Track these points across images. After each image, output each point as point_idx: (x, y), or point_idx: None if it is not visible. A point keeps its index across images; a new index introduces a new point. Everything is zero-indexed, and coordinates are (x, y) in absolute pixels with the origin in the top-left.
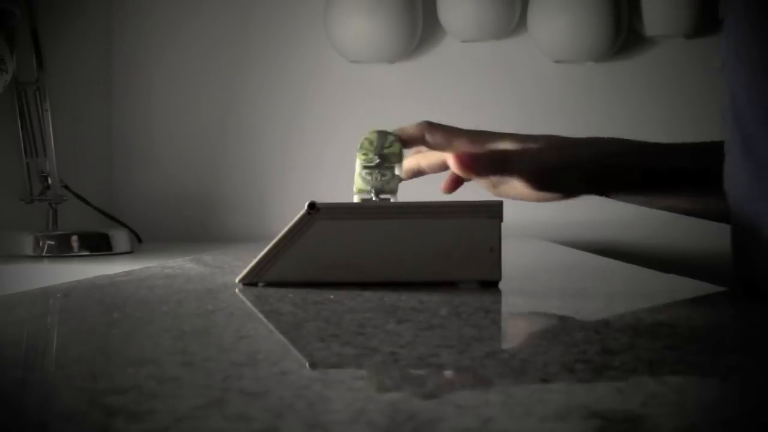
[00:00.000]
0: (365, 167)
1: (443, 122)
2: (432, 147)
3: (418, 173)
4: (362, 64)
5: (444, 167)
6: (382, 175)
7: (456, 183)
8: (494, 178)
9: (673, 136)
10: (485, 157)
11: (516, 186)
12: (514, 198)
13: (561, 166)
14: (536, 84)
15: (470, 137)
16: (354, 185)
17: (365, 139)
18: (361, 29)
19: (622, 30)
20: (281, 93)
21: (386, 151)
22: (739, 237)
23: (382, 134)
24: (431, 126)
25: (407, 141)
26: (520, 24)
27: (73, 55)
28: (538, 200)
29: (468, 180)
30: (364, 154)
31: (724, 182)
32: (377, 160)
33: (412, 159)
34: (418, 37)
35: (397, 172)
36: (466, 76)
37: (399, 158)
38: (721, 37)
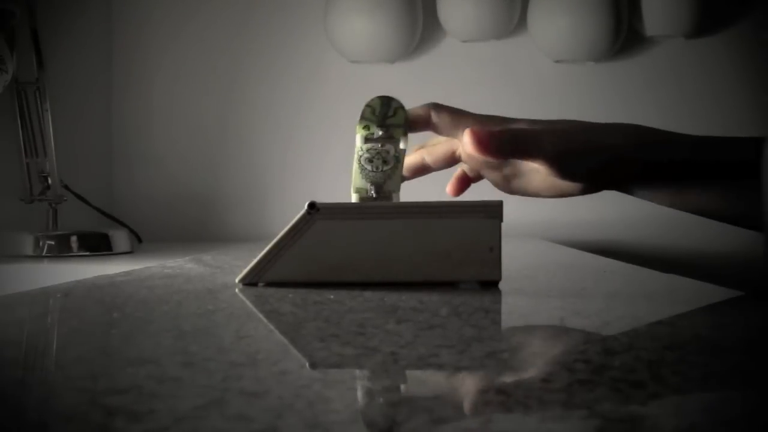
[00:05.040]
0: (367, 139)
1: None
2: (438, 130)
3: (422, 170)
4: (362, 64)
5: (450, 162)
6: (383, 160)
7: (464, 183)
8: (508, 171)
9: None
10: (505, 134)
11: (533, 180)
12: (529, 194)
13: (587, 150)
14: (536, 84)
15: (480, 120)
16: (352, 183)
17: (367, 106)
18: (361, 29)
19: (622, 30)
20: (281, 93)
21: (390, 121)
22: None
23: (386, 100)
24: (438, 107)
25: (412, 123)
26: (520, 24)
27: (73, 55)
28: (556, 194)
29: (476, 180)
30: (365, 127)
31: (763, 172)
32: (380, 133)
33: (416, 155)
34: (418, 37)
35: (402, 146)
36: (466, 76)
37: (404, 131)
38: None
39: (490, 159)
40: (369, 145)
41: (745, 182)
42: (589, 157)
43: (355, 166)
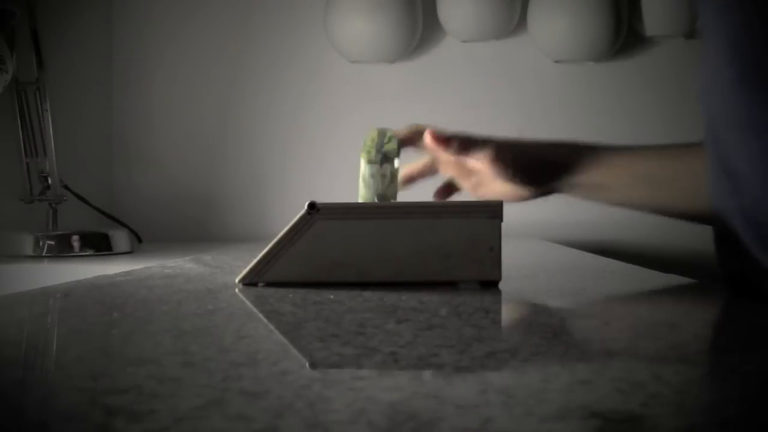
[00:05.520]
0: (369, 162)
1: (442, 122)
2: (421, 148)
3: (410, 180)
4: (362, 64)
5: (431, 171)
6: (382, 175)
7: (448, 190)
8: (475, 180)
9: (672, 135)
10: (454, 137)
11: (494, 187)
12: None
13: (522, 158)
14: (536, 84)
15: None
16: (359, 195)
17: (368, 137)
18: (361, 29)
19: (622, 30)
20: (281, 93)
21: (386, 148)
22: (722, 243)
23: (382, 132)
24: (420, 127)
25: (402, 141)
26: (520, 24)
27: (73, 55)
28: (513, 199)
29: (458, 190)
30: (368, 152)
31: (710, 195)
32: (380, 156)
33: (404, 169)
34: (418, 37)
35: (396, 165)
36: (466, 76)
37: (397, 153)
38: (700, 65)
39: (444, 153)
40: (371, 166)
41: (667, 183)
42: (524, 163)
43: (360, 183)
